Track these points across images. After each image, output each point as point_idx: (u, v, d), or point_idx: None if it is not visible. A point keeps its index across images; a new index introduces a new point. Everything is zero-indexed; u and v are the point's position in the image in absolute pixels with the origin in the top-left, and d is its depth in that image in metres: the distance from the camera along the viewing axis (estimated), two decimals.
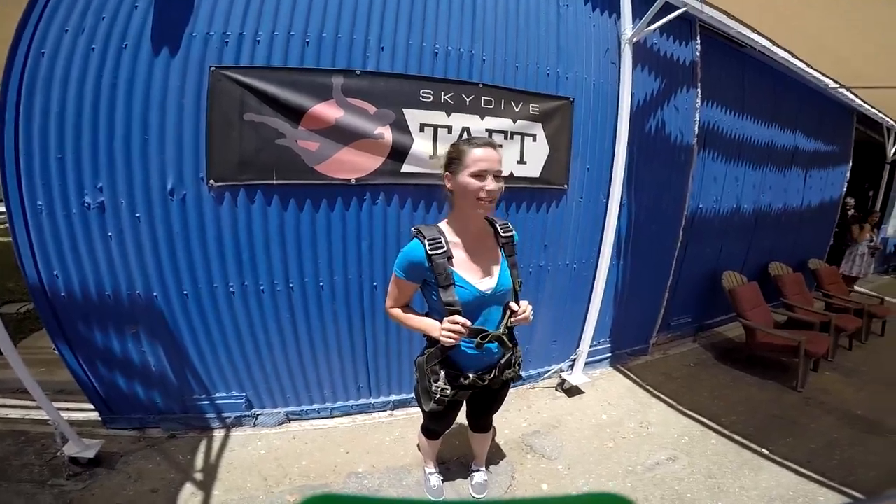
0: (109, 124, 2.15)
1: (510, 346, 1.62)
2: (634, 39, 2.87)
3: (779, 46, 3.75)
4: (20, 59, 2.07)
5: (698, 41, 3.43)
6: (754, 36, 3.55)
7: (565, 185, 2.95)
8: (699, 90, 3.50)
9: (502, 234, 1.60)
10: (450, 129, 2.51)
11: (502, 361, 1.66)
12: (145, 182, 2.23)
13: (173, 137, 2.21)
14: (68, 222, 2.23)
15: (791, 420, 3.07)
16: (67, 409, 2.64)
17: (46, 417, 2.26)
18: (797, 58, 3.98)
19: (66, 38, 2.08)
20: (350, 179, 2.41)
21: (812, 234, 5.84)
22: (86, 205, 2.21)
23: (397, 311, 1.67)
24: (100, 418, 2.66)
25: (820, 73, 4.30)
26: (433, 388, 1.60)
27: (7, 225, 2.22)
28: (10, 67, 2.07)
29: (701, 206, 4.03)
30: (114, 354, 2.49)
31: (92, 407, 2.63)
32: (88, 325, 2.42)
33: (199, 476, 2.34)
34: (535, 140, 2.75)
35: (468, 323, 1.45)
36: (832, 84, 4.56)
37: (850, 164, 6.08)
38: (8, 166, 2.13)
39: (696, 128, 3.55)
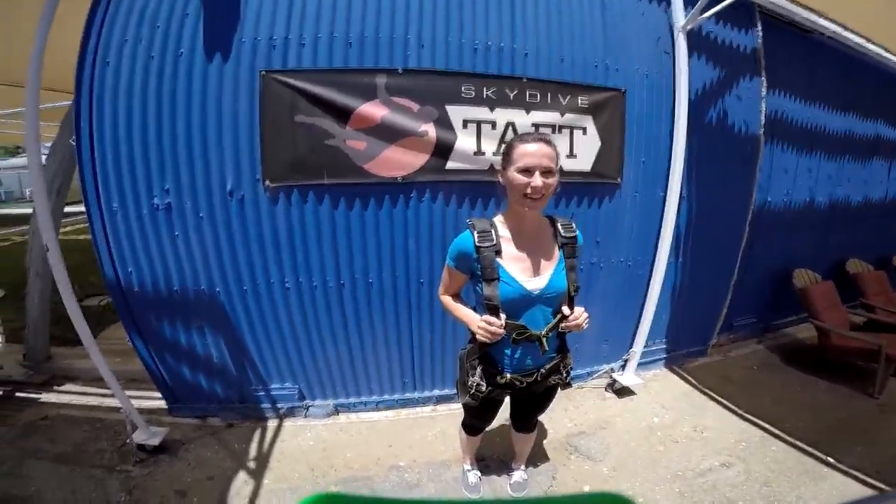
0: (172, 130, 2.30)
1: (546, 349, 1.52)
2: (688, 27, 2.73)
3: (851, 31, 3.45)
4: (88, 69, 2.24)
5: (759, 27, 3.21)
6: (822, 21, 3.28)
7: (619, 179, 2.86)
8: (764, 78, 3.28)
9: (563, 234, 1.54)
10: (494, 124, 2.49)
11: (547, 367, 1.62)
12: (207, 184, 2.37)
13: (230, 141, 2.33)
14: (140, 223, 2.40)
15: (862, 428, 2.83)
16: (138, 398, 2.84)
17: (119, 405, 2.43)
18: (873, 42, 3.64)
19: (127, 47, 2.24)
20: (396, 177, 2.44)
21: None
22: (155, 206, 2.38)
23: (447, 299, 1.70)
24: (166, 406, 2.85)
25: None
26: (469, 383, 1.60)
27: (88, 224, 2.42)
28: (80, 76, 2.24)
29: (769, 199, 3.77)
30: (180, 346, 2.66)
31: (160, 395, 2.83)
32: (158, 319, 2.60)
33: (251, 465, 2.45)
34: (585, 133, 2.67)
35: (502, 327, 1.42)
36: None
37: None
38: (86, 170, 2.32)
39: (763, 118, 3.33)
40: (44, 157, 2.82)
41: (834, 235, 4.52)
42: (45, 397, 3.04)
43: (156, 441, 2.44)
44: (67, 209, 3.45)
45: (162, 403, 2.86)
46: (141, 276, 2.50)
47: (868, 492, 2.25)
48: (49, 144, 3.19)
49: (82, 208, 2.37)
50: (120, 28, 2.23)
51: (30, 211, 2.41)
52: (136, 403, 2.54)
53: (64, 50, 2.25)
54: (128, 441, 2.45)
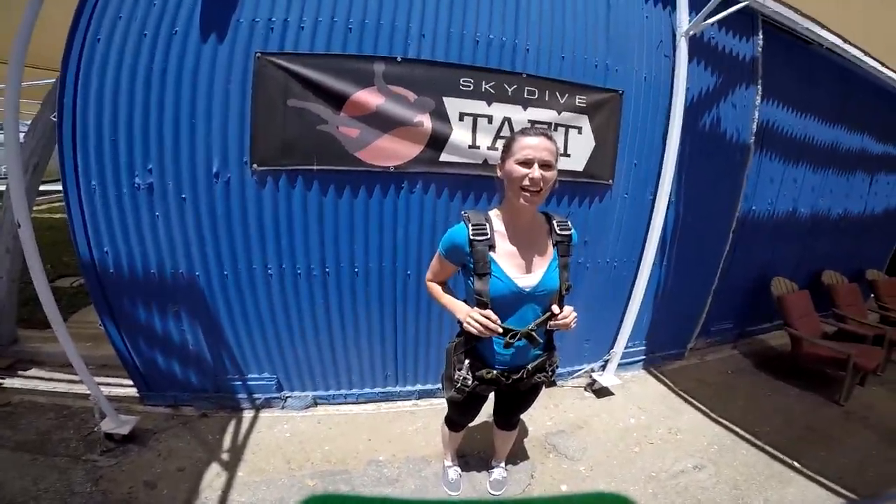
0: (160, 108, 2.22)
1: (539, 342, 1.54)
2: (691, 33, 2.73)
3: (850, 44, 3.51)
4: (77, 44, 2.15)
5: (760, 36, 3.25)
6: (822, 32, 3.33)
7: (610, 181, 2.86)
8: (759, 87, 3.32)
9: (558, 232, 1.53)
10: (490, 118, 2.46)
11: (534, 364, 1.61)
12: (192, 165, 2.29)
13: (219, 122, 2.25)
14: (119, 202, 2.31)
15: (827, 434, 2.93)
16: (108, 384, 2.75)
17: (88, 392, 2.34)
18: (870, 56, 3.72)
19: (120, 24, 2.15)
20: (389, 167, 2.40)
21: (873, 243, 5.47)
22: (136, 185, 2.29)
23: (434, 286, 1.69)
24: (137, 394, 2.76)
25: (894, 72, 4.01)
26: (455, 377, 1.59)
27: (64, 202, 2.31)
28: (68, 52, 2.15)
29: (754, 207, 3.83)
30: (155, 331, 2.58)
31: (131, 382, 2.73)
32: (133, 302, 2.51)
33: (225, 456, 2.39)
34: (580, 133, 2.67)
35: (498, 325, 1.41)
36: None
37: None
38: (66, 147, 2.22)
39: (755, 126, 3.38)
40: (22, 136, 2.69)
41: (812, 246, 4.62)
42: (9, 382, 2.90)
43: (125, 430, 2.36)
44: (43, 187, 3.31)
45: (133, 391, 2.76)
46: (117, 258, 2.40)
47: (832, 497, 2.32)
48: (29, 122, 3.05)
49: (59, 187, 2.27)
50: (115, 5, 2.14)
51: (3, 188, 2.30)
52: (105, 391, 2.45)
53: (51, 27, 2.15)
54: (95, 429, 2.37)
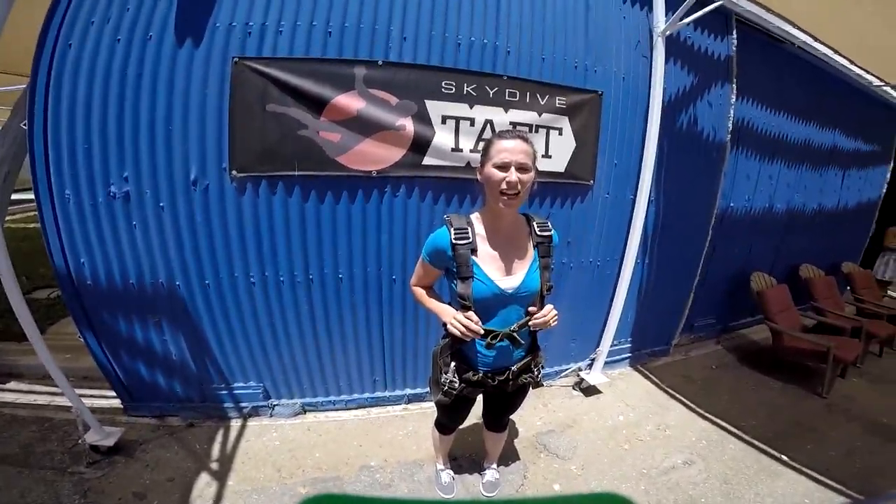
0: (134, 115, 2.17)
1: (521, 343, 1.56)
2: (668, 33, 2.77)
3: (820, 42, 3.60)
4: (48, 49, 2.08)
5: (734, 35, 3.31)
6: (794, 31, 3.41)
7: (591, 181, 2.89)
8: (734, 86, 3.38)
9: (538, 233, 1.54)
10: (472, 121, 2.46)
11: (518, 365, 1.62)
12: (169, 172, 2.24)
13: (196, 128, 2.21)
14: (94, 211, 2.25)
15: (812, 426, 2.98)
16: (90, 396, 2.70)
17: (70, 404, 2.29)
18: (839, 54, 3.82)
19: (93, 29, 2.10)
20: (371, 171, 2.38)
21: (847, 237, 5.63)
22: (111, 194, 2.23)
23: (419, 290, 1.69)
24: (121, 405, 2.71)
25: (863, 69, 4.12)
26: (442, 380, 1.60)
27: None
28: (38, 58, 2.09)
29: (732, 204, 3.91)
30: (136, 342, 2.52)
31: (114, 394, 2.67)
32: (112, 313, 2.45)
33: (214, 466, 2.36)
34: (561, 134, 2.68)
35: (480, 327, 1.43)
36: (876, 82, 4.37)
37: (892, 164, 5.81)
38: (37, 155, 2.16)
39: (730, 124, 3.43)
40: None
41: (789, 241, 4.73)
42: None
43: (110, 442, 2.32)
44: (16, 196, 3.22)
45: (117, 402, 2.71)
46: (94, 268, 2.35)
47: (821, 489, 2.37)
48: None
49: (32, 195, 2.21)
50: (87, 9, 2.08)
51: None
52: (88, 402, 2.40)
53: (23, 31, 2.09)
54: (80, 441, 2.32)
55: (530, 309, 1.51)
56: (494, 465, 2.35)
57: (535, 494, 2.32)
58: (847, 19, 3.06)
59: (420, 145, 2.40)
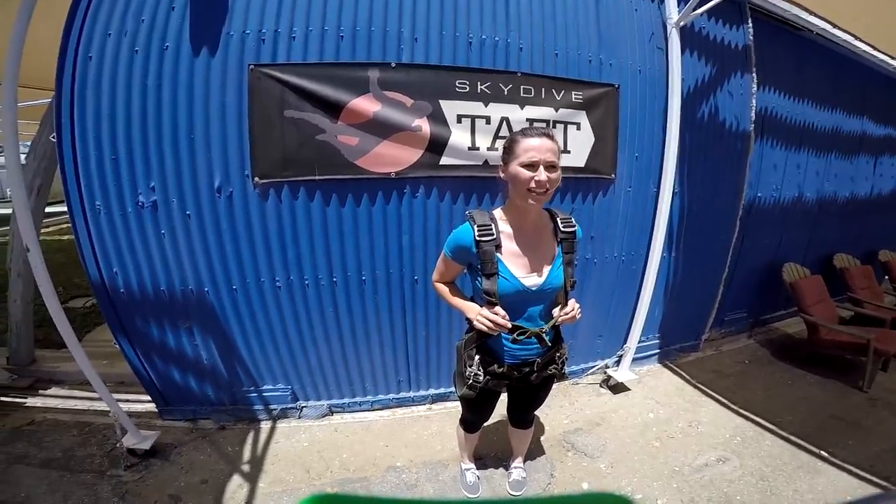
0: (157, 125, 2.23)
1: (548, 344, 1.58)
2: (682, 24, 2.72)
3: (839, 29, 3.48)
4: (69, 63, 2.15)
5: (750, 24, 3.22)
6: (811, 18, 3.32)
7: (612, 175, 2.84)
8: (754, 75, 3.28)
9: (562, 229, 1.53)
10: (488, 119, 2.46)
11: (543, 357, 1.62)
12: (194, 180, 2.30)
13: (218, 136, 2.27)
14: (124, 221, 2.33)
15: (854, 422, 2.86)
16: (127, 401, 2.78)
17: (108, 409, 2.37)
18: (860, 40, 3.69)
19: (110, 41, 2.16)
20: (390, 173, 2.40)
21: (882, 224, 5.38)
22: (140, 204, 2.31)
23: (441, 287, 1.70)
24: (156, 409, 2.79)
25: (887, 55, 3.96)
26: (467, 373, 1.61)
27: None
28: (60, 71, 2.16)
29: (759, 195, 3.79)
30: (169, 348, 2.60)
31: (149, 398, 2.76)
32: (145, 320, 2.53)
33: (245, 468, 2.41)
34: (578, 128, 2.65)
35: (508, 321, 1.43)
36: None
37: None
38: (67, 168, 2.24)
39: (753, 114, 3.34)
40: (23, 157, 2.72)
41: (821, 230, 4.56)
42: (31, 401, 2.95)
43: (146, 445, 2.39)
44: (50, 209, 3.36)
45: (151, 406, 2.79)
46: (126, 277, 2.42)
47: (864, 485, 2.27)
48: (29, 143, 3.10)
49: (65, 208, 2.29)
50: (103, 22, 2.15)
51: (10, 211, 2.32)
52: (124, 407, 2.47)
53: (43, 45, 2.17)
54: (118, 445, 2.38)
55: (553, 311, 1.52)
56: (521, 464, 2.33)
57: (561, 493, 2.28)
58: (866, 3, 2.95)
59: (437, 145, 2.41)
